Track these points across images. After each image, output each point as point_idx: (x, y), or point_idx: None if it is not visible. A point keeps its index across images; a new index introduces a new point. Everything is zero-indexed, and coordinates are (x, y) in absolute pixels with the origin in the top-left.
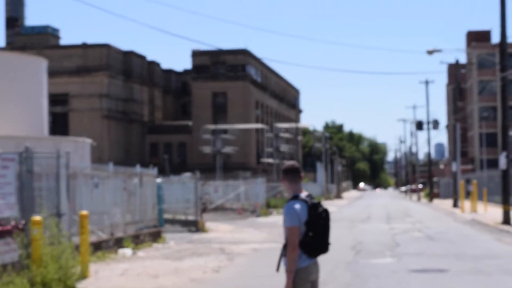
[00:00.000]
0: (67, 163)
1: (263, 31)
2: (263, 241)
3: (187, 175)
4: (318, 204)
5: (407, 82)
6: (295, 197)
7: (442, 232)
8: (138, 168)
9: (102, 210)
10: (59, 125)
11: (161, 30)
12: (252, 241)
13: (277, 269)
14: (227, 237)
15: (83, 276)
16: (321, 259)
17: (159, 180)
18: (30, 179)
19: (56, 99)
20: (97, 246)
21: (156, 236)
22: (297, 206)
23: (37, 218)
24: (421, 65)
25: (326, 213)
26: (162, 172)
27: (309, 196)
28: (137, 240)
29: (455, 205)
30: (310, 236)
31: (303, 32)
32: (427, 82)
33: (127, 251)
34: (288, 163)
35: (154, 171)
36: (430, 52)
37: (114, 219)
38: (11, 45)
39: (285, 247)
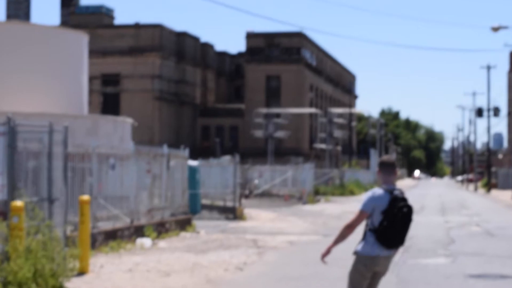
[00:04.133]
0: (64, 139)
1: (320, 1)
2: (303, 233)
3: (226, 158)
4: (402, 199)
5: (467, 68)
6: (383, 187)
7: (503, 227)
8: (165, 149)
9: (120, 194)
10: (110, 105)
11: (216, 1)
12: (291, 232)
13: (354, 252)
14: (265, 227)
15: (82, 271)
16: None
17: (195, 162)
18: (15, 156)
19: (108, 79)
20: (112, 235)
21: (184, 224)
22: (377, 194)
23: (17, 203)
24: (483, 45)
25: (408, 208)
26: (213, 156)
27: (399, 190)
28: (162, 229)
29: None
30: (384, 226)
31: (360, 3)
32: (488, 68)
33: (146, 241)
34: (385, 157)
35: (185, 152)
36: (495, 29)
37: (134, 205)
38: (65, 25)
39: (364, 232)
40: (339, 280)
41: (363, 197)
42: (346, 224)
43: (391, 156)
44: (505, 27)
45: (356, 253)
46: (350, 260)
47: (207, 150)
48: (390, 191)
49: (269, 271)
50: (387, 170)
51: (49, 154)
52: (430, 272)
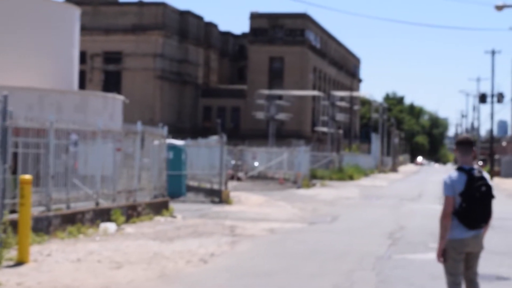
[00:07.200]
0: (3, 110)
1: None
2: (288, 220)
3: (214, 138)
4: (480, 178)
5: (471, 52)
6: (459, 169)
7: (504, 218)
8: (138, 126)
9: (84, 174)
10: (111, 83)
11: None
12: (276, 219)
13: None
14: (250, 212)
15: (21, 261)
16: (344, 252)
17: (181, 142)
18: None
19: (110, 57)
20: (71, 219)
21: (161, 208)
22: (454, 176)
23: None
24: (487, 25)
25: (487, 187)
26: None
27: (478, 170)
28: (133, 212)
29: None
30: (463, 207)
31: None
32: (493, 52)
33: (110, 226)
34: (462, 135)
35: (163, 130)
36: (499, 8)
37: (100, 186)
38: (69, 1)
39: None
40: (313, 277)
41: (443, 182)
42: (441, 216)
43: (469, 135)
44: (510, 6)
45: None
46: (330, 253)
47: (209, 130)
48: (467, 171)
49: (236, 264)
50: (464, 149)
51: None
52: (415, 271)
